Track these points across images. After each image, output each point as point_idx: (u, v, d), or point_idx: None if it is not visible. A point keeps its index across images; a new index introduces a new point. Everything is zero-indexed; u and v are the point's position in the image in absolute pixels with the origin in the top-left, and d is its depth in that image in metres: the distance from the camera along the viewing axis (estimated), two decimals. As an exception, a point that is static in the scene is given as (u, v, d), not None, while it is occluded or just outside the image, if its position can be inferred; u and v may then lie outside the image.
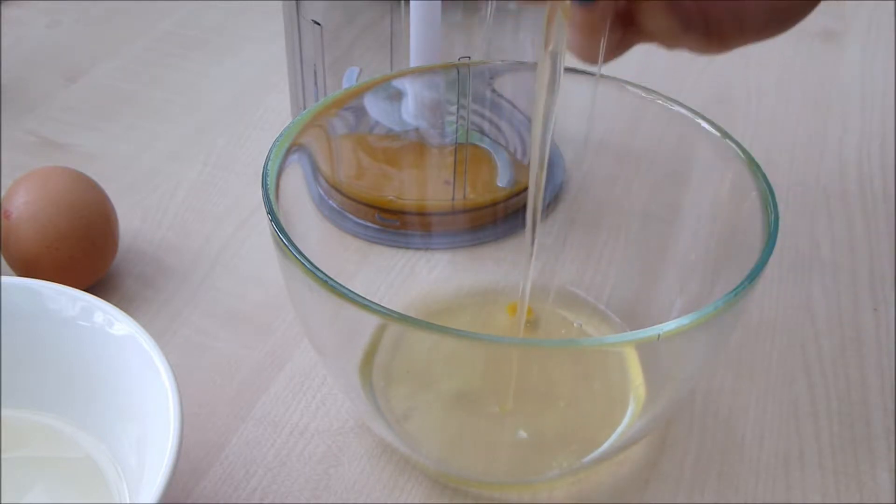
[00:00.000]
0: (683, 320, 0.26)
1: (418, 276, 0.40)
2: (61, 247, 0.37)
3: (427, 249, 0.42)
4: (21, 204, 0.37)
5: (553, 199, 0.43)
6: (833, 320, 0.40)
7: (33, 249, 0.37)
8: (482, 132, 0.44)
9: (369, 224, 0.42)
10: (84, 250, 0.38)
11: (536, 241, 0.32)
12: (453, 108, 0.40)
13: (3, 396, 0.33)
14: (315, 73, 0.42)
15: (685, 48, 0.30)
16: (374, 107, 0.39)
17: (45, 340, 0.32)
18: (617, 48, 0.30)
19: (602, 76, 0.36)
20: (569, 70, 0.37)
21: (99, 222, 0.39)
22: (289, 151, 0.32)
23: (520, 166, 0.44)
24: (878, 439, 0.35)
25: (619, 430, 0.33)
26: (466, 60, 0.39)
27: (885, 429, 0.36)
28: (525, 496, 0.33)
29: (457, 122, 0.41)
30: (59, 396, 0.33)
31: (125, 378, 0.31)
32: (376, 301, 0.26)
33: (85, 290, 0.32)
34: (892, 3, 0.67)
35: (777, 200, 0.30)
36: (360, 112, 0.38)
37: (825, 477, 0.34)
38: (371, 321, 0.27)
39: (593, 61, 0.30)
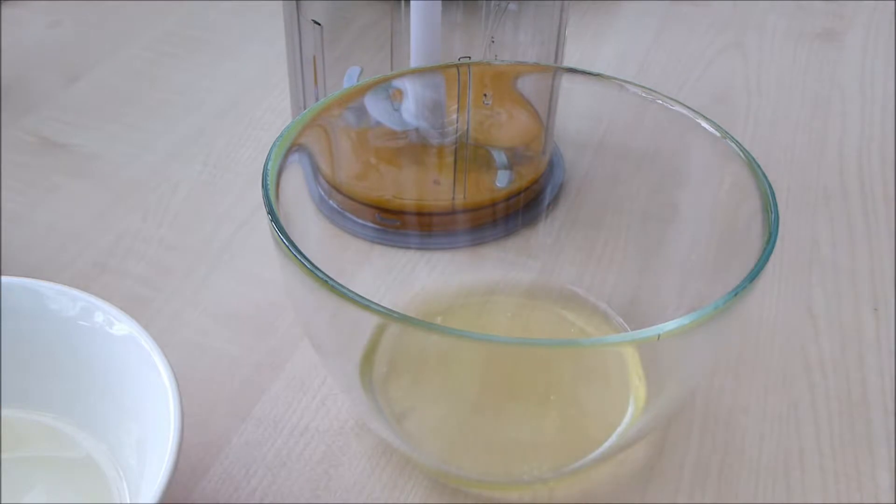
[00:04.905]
0: (683, 320, 0.26)
1: (418, 276, 0.40)
2: None
3: (427, 249, 0.42)
4: None
5: (553, 199, 0.43)
6: (833, 320, 0.40)
7: None
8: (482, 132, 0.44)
9: (369, 224, 0.42)
10: None
11: None
12: (453, 108, 0.40)
13: (3, 396, 0.33)
14: (315, 73, 0.42)
15: None
16: (374, 107, 0.39)
17: (46, 340, 0.32)
18: None
19: (602, 76, 0.36)
20: (569, 70, 0.37)
21: None
22: (289, 151, 0.32)
23: (519, 166, 0.44)
24: (878, 439, 0.35)
25: (619, 430, 0.33)
26: (466, 60, 0.39)
27: (885, 429, 0.36)
28: (525, 496, 0.33)
29: (457, 122, 0.41)
30: (59, 396, 0.33)
31: (125, 378, 0.31)
32: (376, 301, 0.26)
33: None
34: (892, 3, 0.67)
35: (777, 200, 0.30)
36: (361, 112, 0.38)
37: (825, 477, 0.34)
38: (371, 321, 0.27)
39: None
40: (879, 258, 0.44)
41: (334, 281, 0.26)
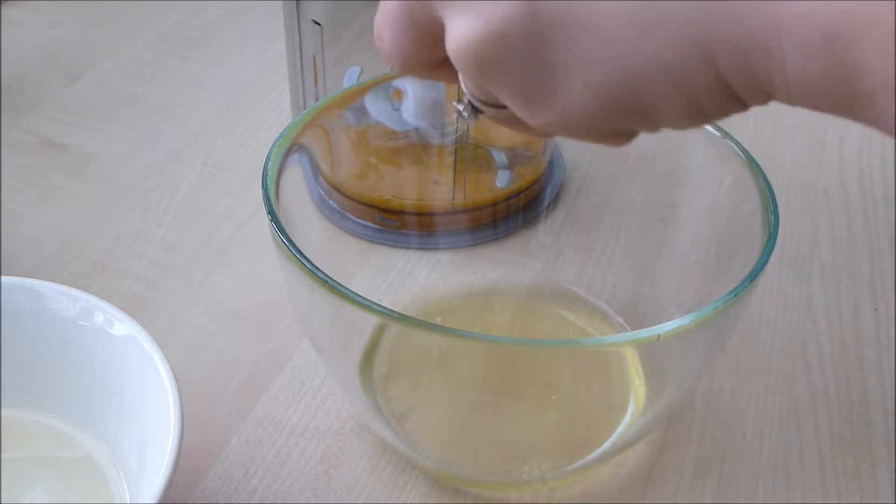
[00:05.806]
0: (683, 320, 0.26)
1: (418, 276, 0.40)
2: None
3: (427, 249, 0.42)
4: None
5: (553, 199, 0.43)
6: (833, 320, 0.40)
7: None
8: (482, 132, 0.44)
9: (369, 224, 0.42)
10: None
11: None
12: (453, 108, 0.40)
13: (3, 396, 0.33)
14: (315, 73, 0.42)
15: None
16: (374, 107, 0.39)
17: (45, 340, 0.32)
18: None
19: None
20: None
21: None
22: (289, 151, 0.32)
23: (519, 166, 0.44)
24: (878, 439, 0.35)
25: (619, 430, 0.33)
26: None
27: (885, 429, 0.36)
28: (525, 496, 0.33)
29: (457, 122, 0.41)
30: (59, 396, 0.33)
31: (125, 378, 0.31)
32: (376, 301, 0.26)
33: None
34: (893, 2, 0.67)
35: (777, 200, 0.30)
36: (361, 112, 0.38)
37: (825, 477, 0.34)
38: (371, 321, 0.27)
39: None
40: (879, 258, 0.44)
41: (334, 281, 0.26)
